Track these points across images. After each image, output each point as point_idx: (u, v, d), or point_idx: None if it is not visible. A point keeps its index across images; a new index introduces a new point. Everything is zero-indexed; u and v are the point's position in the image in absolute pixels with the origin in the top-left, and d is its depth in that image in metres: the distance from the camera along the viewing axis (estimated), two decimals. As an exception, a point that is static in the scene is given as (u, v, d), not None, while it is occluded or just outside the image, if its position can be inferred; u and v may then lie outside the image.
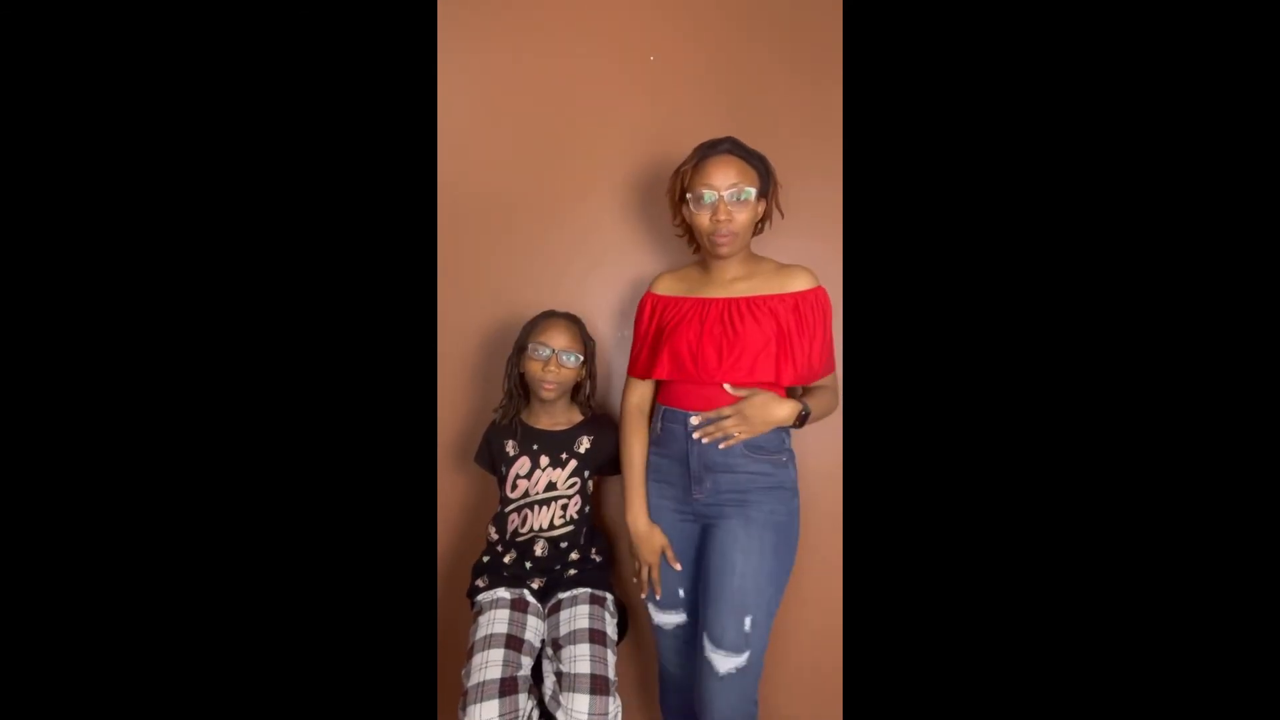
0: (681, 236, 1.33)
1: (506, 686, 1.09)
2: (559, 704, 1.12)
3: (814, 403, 1.23)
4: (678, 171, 1.21)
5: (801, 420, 1.19)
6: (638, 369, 1.29)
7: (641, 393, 1.30)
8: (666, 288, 1.29)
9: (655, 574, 1.25)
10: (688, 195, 1.18)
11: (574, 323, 1.30)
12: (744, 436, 1.17)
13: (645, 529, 1.24)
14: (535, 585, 1.30)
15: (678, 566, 1.24)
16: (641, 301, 1.32)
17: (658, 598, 1.26)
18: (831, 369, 1.26)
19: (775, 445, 1.21)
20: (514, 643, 1.17)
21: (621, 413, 1.32)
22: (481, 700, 1.07)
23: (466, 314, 1.53)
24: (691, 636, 1.30)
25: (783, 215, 1.29)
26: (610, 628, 1.24)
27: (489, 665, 1.12)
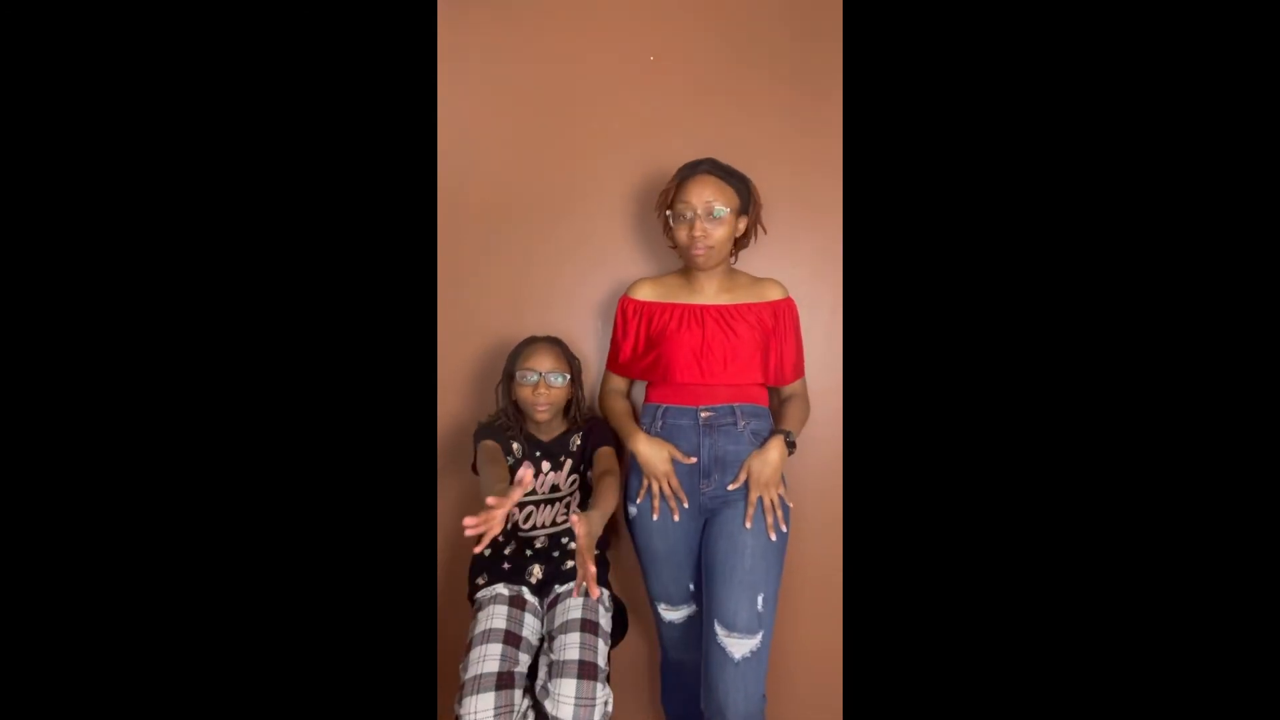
0: (673, 248, 1.39)
1: (503, 680, 1.11)
2: (548, 692, 1.12)
3: (791, 424, 1.32)
4: (663, 191, 1.31)
5: (791, 446, 1.27)
6: (625, 370, 1.39)
7: (619, 382, 1.42)
8: (648, 294, 1.37)
9: (671, 484, 1.25)
10: (669, 212, 1.29)
11: (556, 344, 1.35)
12: (776, 488, 1.24)
13: (648, 444, 1.26)
14: (534, 578, 1.33)
15: (692, 460, 1.26)
16: (621, 305, 1.39)
17: (684, 505, 1.26)
18: (801, 373, 1.39)
19: (769, 433, 1.30)
20: (512, 638, 1.19)
21: (601, 396, 1.42)
22: (478, 692, 1.08)
23: (466, 317, 1.56)
24: (700, 624, 1.33)
25: (765, 231, 1.38)
26: (604, 619, 1.27)
27: (487, 659, 1.14)
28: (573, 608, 1.26)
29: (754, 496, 1.23)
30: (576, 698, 1.11)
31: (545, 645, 1.24)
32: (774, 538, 1.22)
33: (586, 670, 1.14)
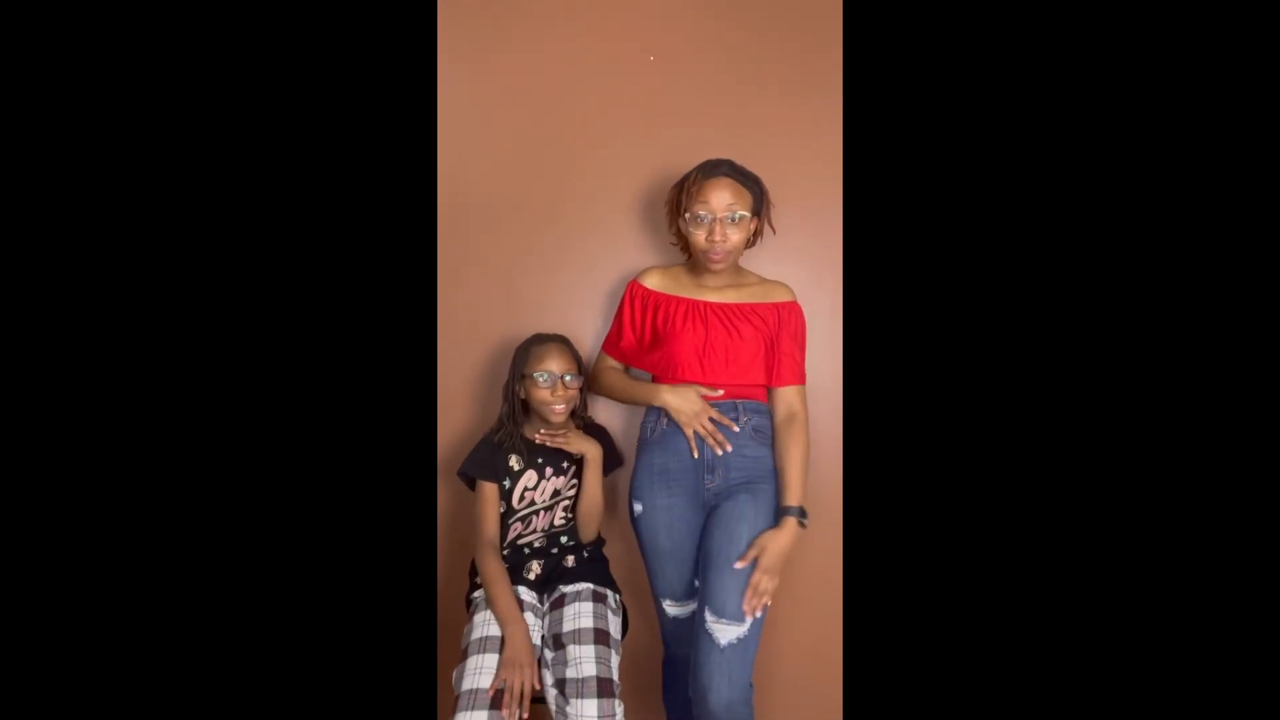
0: (675, 244, 1.41)
1: (497, 699, 1.09)
2: (566, 716, 1.11)
3: (795, 482, 1.25)
4: (679, 186, 1.31)
5: (803, 518, 1.24)
6: (625, 358, 1.40)
7: (614, 364, 1.43)
8: (656, 283, 1.37)
9: (713, 416, 1.26)
10: (685, 214, 1.29)
11: (565, 343, 1.34)
12: (772, 585, 1.19)
13: (672, 393, 1.28)
14: (532, 574, 1.31)
15: (720, 392, 1.28)
16: (630, 289, 1.39)
17: (729, 449, 1.26)
18: (802, 379, 1.35)
19: (771, 433, 1.31)
20: None
21: (598, 376, 1.41)
22: (472, 708, 1.07)
23: (466, 316, 1.55)
24: None
25: (774, 232, 1.38)
26: (614, 627, 1.25)
27: (483, 673, 1.11)
28: (583, 614, 1.23)
29: (757, 578, 1.17)
30: (599, 717, 1.10)
31: (552, 650, 1.21)
32: (749, 619, 1.16)
33: (604, 688, 1.13)
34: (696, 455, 1.27)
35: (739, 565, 1.18)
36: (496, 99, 1.54)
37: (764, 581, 1.18)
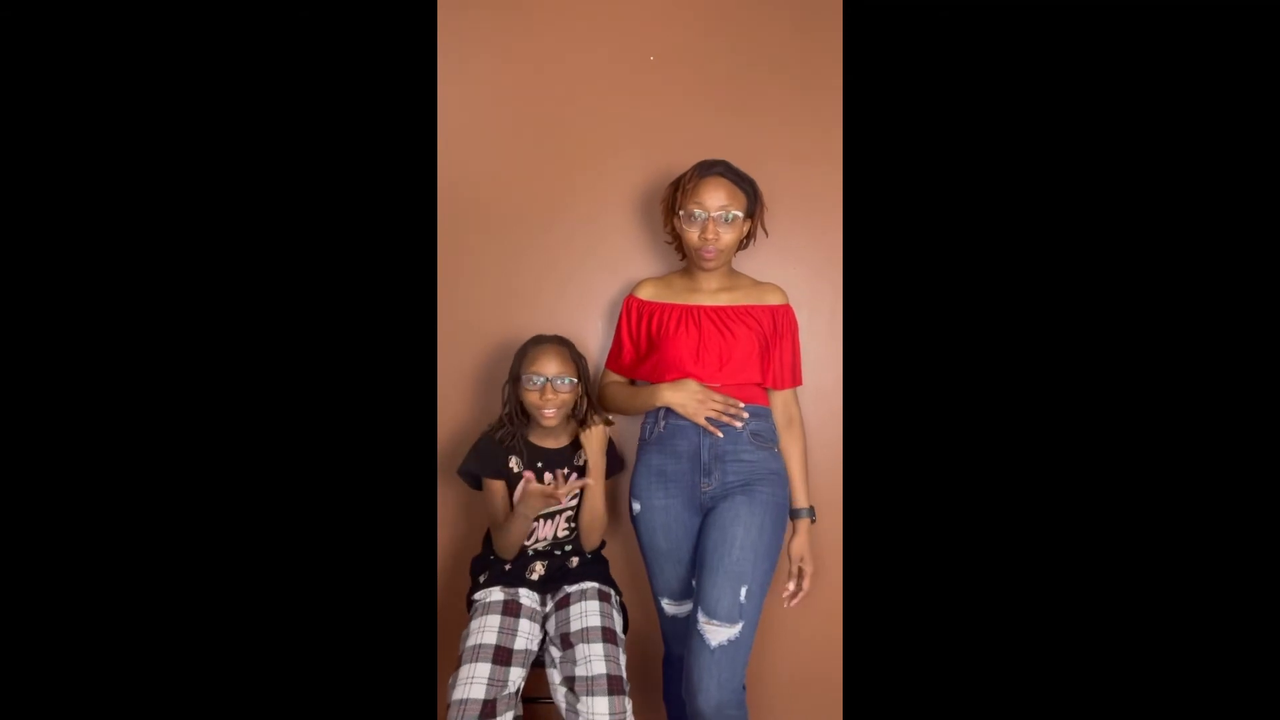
0: (671, 244, 1.42)
1: (488, 709, 1.08)
2: (577, 713, 1.10)
3: (802, 491, 1.36)
4: (674, 185, 1.32)
5: (812, 517, 1.37)
6: (628, 371, 1.40)
7: (618, 379, 1.45)
8: (651, 293, 1.39)
9: (720, 402, 1.26)
10: (680, 212, 1.30)
11: (563, 345, 1.32)
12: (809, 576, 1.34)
13: (672, 389, 1.28)
14: (535, 575, 1.30)
15: (716, 385, 1.29)
16: (626, 304, 1.42)
17: (745, 416, 1.27)
18: (799, 380, 1.40)
19: (771, 436, 1.32)
20: (501, 655, 1.15)
21: (602, 392, 1.43)
22: (462, 719, 1.07)
23: (466, 318, 1.54)
24: None
25: (767, 234, 1.39)
26: (619, 626, 1.26)
27: (474, 682, 1.11)
28: (590, 613, 1.23)
29: (806, 583, 1.34)
30: (610, 714, 1.10)
31: (559, 649, 1.20)
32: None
33: (615, 685, 1.13)
34: (721, 435, 1.27)
35: (787, 596, 1.32)
36: (496, 100, 1.54)
37: (807, 581, 1.33)
